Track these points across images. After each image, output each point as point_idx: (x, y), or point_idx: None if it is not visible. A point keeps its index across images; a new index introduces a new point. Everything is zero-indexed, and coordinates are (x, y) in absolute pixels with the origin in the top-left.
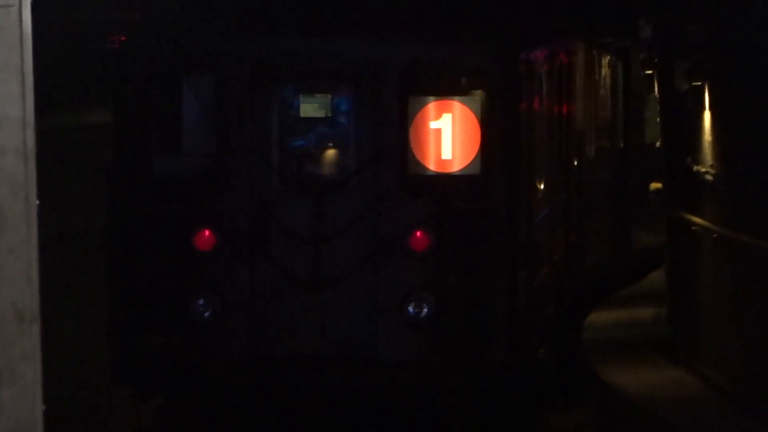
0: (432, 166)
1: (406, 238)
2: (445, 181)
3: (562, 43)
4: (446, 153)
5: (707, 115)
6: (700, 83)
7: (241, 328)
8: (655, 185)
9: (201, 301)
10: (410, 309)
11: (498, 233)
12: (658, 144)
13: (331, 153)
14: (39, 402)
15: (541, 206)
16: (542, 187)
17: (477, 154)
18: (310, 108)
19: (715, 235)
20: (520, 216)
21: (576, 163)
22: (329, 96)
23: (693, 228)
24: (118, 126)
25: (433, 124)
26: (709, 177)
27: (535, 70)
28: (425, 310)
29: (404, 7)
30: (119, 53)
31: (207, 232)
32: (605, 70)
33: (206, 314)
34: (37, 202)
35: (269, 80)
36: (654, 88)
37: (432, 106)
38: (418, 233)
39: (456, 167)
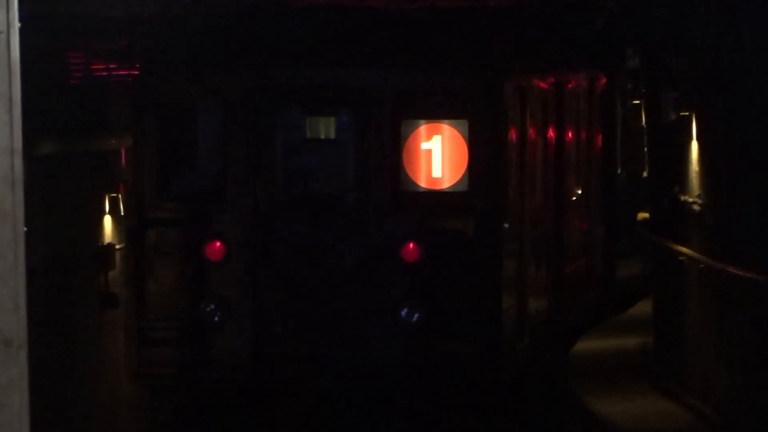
0: (423, 183)
1: (399, 249)
2: (435, 197)
3: (549, 73)
4: (436, 171)
5: (694, 146)
6: (687, 113)
7: (246, 330)
8: (642, 215)
9: (211, 306)
10: (402, 314)
11: (483, 246)
12: (645, 174)
13: (330, 171)
14: (26, 429)
15: (530, 225)
16: (530, 207)
17: (465, 172)
18: (314, 130)
19: (701, 266)
20: (505, 231)
21: (561, 190)
22: (332, 119)
23: (680, 258)
24: (139, 149)
25: (424, 145)
26: (696, 207)
27: (523, 97)
28: (416, 315)
29: (398, 40)
30: (137, 83)
31: (217, 244)
32: (590, 100)
33: (215, 318)
34: (25, 229)
35: (274, 107)
36: (641, 118)
37: (423, 128)
38: (411, 245)
39: (445, 184)
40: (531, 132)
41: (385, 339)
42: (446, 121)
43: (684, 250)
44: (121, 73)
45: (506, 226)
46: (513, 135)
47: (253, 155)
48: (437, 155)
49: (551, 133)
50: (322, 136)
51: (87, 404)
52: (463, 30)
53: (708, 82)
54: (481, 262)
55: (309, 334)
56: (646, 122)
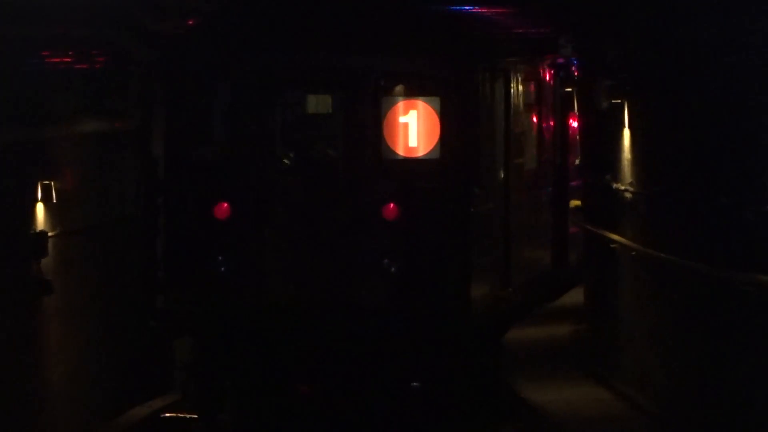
0: (401, 151)
1: (381, 209)
2: (411, 164)
3: (503, 61)
4: (412, 141)
5: (626, 134)
6: (619, 101)
7: (251, 280)
8: (574, 203)
9: (220, 258)
10: (383, 265)
11: (454, 206)
12: (578, 161)
13: (322, 142)
14: None
15: (494, 193)
16: (494, 177)
17: (437, 142)
18: (309, 107)
19: (633, 253)
20: (470, 193)
21: (508, 170)
22: (325, 97)
23: (612, 246)
24: (167, 123)
25: (401, 119)
26: (628, 195)
27: (487, 81)
28: (394, 266)
29: (381, 29)
30: (163, 64)
31: (225, 205)
32: (527, 87)
33: (222, 269)
34: None
35: (275, 86)
36: (574, 105)
37: (401, 104)
38: (391, 205)
39: (420, 153)
40: (493, 114)
41: (369, 287)
42: (421, 98)
43: (616, 237)
44: (55, 60)
45: (475, 190)
46: (478, 112)
47: (258, 128)
48: (413, 128)
49: (504, 118)
50: (316, 112)
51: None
52: (437, 20)
53: (641, 70)
54: (451, 220)
55: (304, 284)
56: (578, 110)
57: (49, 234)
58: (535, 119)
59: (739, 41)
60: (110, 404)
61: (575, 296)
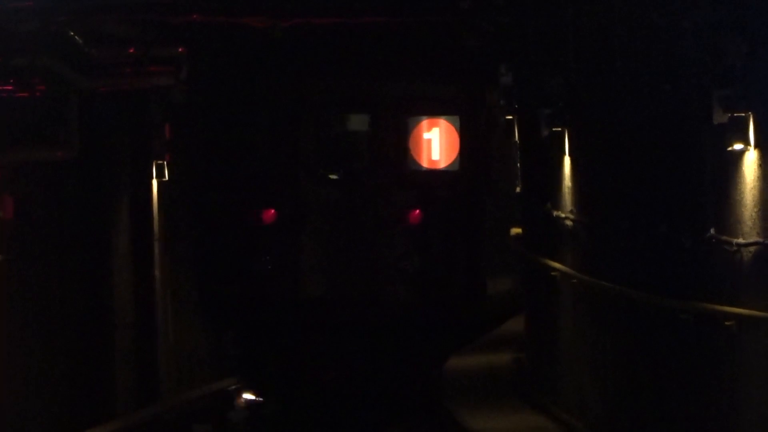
0: (425, 164)
1: (407, 214)
2: (434, 174)
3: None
4: (435, 155)
5: (566, 161)
6: (559, 129)
7: (290, 277)
8: (515, 230)
9: (265, 258)
10: (405, 264)
11: (469, 212)
12: (518, 189)
13: (355, 155)
14: None
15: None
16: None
17: (457, 156)
18: (344, 125)
19: (574, 281)
20: (484, 201)
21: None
22: (358, 116)
23: (552, 273)
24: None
25: (425, 135)
26: (568, 222)
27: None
28: (416, 265)
29: (405, 60)
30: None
31: (271, 211)
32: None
33: (268, 266)
34: None
35: (312, 108)
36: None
37: (425, 122)
38: (416, 211)
39: (442, 165)
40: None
41: (392, 284)
42: (443, 117)
43: (557, 265)
44: None
45: (490, 199)
46: (491, 131)
47: (300, 146)
48: (436, 143)
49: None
50: (351, 129)
51: None
52: (455, 51)
53: (581, 100)
54: (468, 225)
55: (335, 281)
56: (518, 138)
57: None
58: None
59: (670, 70)
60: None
61: (516, 324)
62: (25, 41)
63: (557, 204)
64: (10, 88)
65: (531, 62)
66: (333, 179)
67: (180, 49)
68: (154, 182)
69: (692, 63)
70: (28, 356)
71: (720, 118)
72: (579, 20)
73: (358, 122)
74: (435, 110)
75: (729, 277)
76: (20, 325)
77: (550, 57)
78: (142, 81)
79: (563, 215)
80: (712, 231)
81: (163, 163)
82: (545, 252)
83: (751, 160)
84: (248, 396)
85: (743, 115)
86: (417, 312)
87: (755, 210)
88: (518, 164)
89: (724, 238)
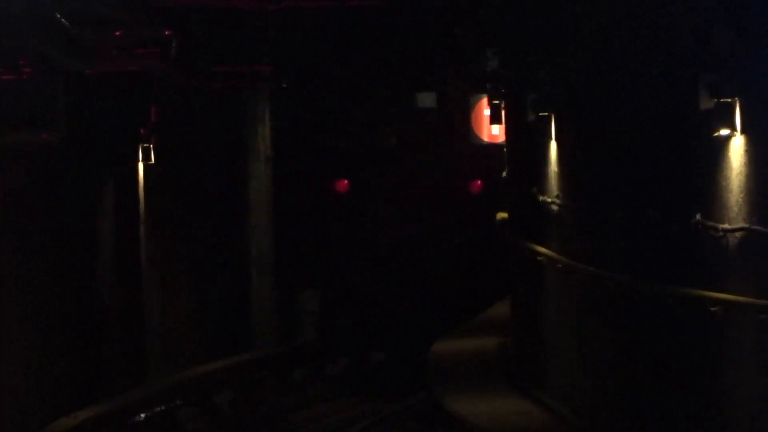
0: (485, 138)
1: (468, 184)
2: (493, 148)
3: None
4: (495, 130)
5: (553, 146)
6: (546, 114)
7: (360, 240)
8: (501, 215)
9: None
10: (464, 230)
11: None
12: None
13: (423, 131)
14: None
15: None
16: None
17: None
18: (419, 102)
19: (560, 266)
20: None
21: None
22: (430, 94)
23: (538, 258)
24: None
25: (486, 112)
26: (554, 207)
27: None
28: (473, 232)
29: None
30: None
31: (345, 181)
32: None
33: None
34: None
35: (384, 88)
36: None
37: (485, 100)
38: (478, 182)
39: (500, 139)
40: None
41: (454, 246)
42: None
43: (543, 250)
44: None
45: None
46: None
47: (370, 117)
48: None
49: None
50: (420, 107)
51: None
52: None
53: (566, 85)
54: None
55: (400, 243)
56: (505, 122)
57: None
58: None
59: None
60: (34, 415)
61: (503, 307)
62: (12, 23)
63: (543, 189)
64: None
65: (518, 46)
66: (403, 149)
67: (167, 32)
68: (140, 165)
69: (680, 47)
70: (9, 339)
71: (707, 103)
72: (566, 4)
73: (427, 100)
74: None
75: (715, 263)
76: (2, 308)
77: (537, 41)
78: (128, 63)
79: (549, 200)
80: (699, 216)
81: (149, 146)
82: (531, 237)
83: (737, 146)
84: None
85: (730, 100)
86: (475, 270)
87: (741, 195)
88: (504, 149)
89: (711, 223)
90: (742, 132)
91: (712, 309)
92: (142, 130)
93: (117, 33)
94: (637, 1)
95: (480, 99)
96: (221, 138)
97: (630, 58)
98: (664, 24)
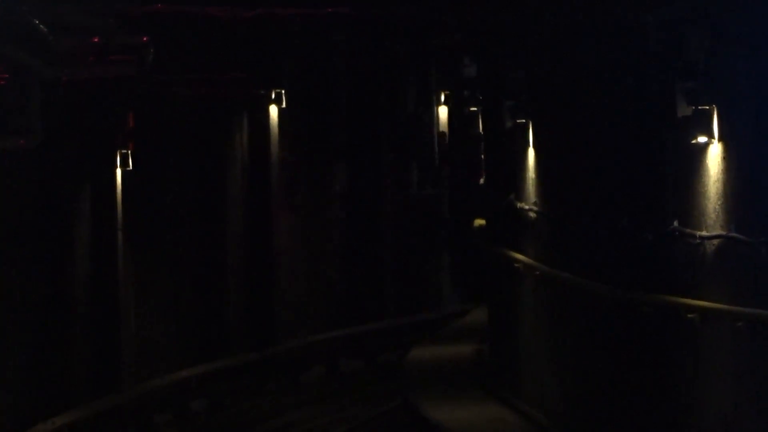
0: None
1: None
2: None
3: None
4: None
5: (530, 153)
6: (523, 121)
7: None
8: (479, 221)
9: None
10: None
11: None
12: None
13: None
14: None
15: None
16: None
17: None
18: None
19: (537, 273)
20: None
21: None
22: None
23: (515, 265)
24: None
25: None
26: (532, 214)
27: None
28: None
29: None
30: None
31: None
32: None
33: None
34: None
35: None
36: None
37: None
38: None
39: None
40: None
41: None
42: None
43: (519, 256)
44: None
45: None
46: None
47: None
48: None
49: None
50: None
51: None
52: None
53: (542, 93)
54: None
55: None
56: (483, 129)
57: None
58: None
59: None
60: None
61: (481, 314)
62: None
63: (521, 195)
64: None
65: (495, 54)
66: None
67: (144, 39)
68: (118, 171)
69: (655, 56)
70: None
71: (684, 111)
72: (541, 14)
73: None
74: None
75: (692, 270)
76: None
77: (513, 49)
78: (105, 70)
79: (527, 207)
80: (676, 224)
81: (128, 152)
82: (509, 243)
83: (714, 153)
84: None
85: (707, 108)
86: None
87: (719, 203)
88: (482, 156)
89: (688, 230)
90: (720, 139)
91: (689, 316)
92: (119, 136)
93: (94, 39)
94: (610, 14)
95: None
96: (199, 145)
97: (605, 67)
98: (638, 33)
